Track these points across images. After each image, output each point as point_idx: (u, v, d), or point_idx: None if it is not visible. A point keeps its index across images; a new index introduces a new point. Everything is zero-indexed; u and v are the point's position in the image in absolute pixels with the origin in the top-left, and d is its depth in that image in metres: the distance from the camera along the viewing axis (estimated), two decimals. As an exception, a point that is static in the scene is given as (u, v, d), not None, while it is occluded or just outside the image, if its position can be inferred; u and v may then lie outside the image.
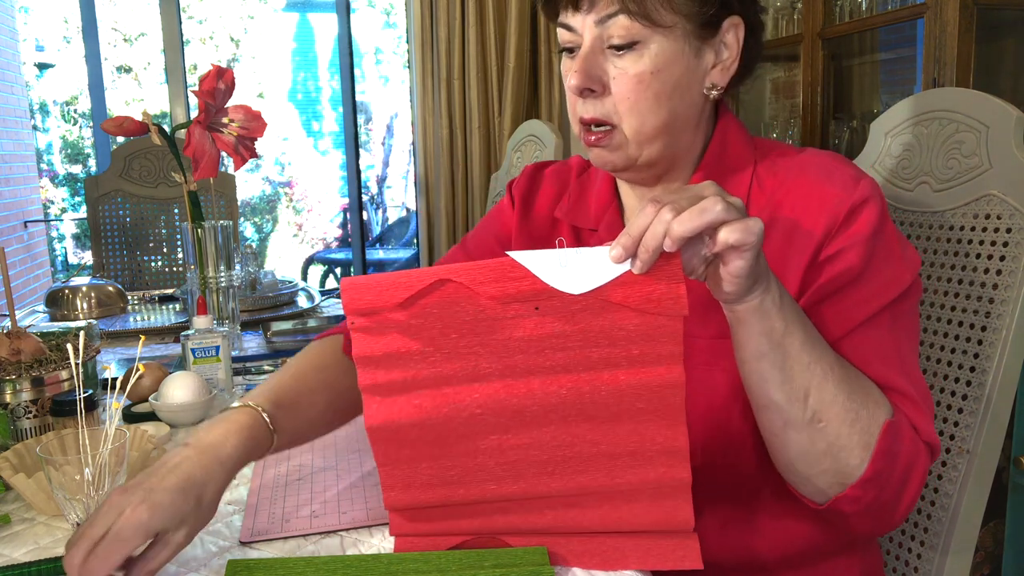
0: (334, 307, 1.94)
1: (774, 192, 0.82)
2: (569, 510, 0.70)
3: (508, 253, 0.65)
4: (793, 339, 0.69)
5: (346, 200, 7.28)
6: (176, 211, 2.47)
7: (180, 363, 1.35)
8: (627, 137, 0.80)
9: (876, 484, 0.72)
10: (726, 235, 0.62)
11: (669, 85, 0.79)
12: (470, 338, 0.66)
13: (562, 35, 0.82)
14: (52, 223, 6.48)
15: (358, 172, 3.53)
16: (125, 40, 7.04)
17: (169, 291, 2.14)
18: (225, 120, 1.48)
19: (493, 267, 0.65)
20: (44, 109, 6.94)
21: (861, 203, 0.77)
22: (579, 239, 0.94)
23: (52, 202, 6.86)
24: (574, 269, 0.64)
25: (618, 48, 0.78)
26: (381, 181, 7.28)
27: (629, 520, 0.69)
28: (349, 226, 6.84)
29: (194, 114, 1.47)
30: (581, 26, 0.80)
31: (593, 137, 0.82)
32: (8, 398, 0.96)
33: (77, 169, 7.06)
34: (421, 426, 0.67)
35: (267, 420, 0.76)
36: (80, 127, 7.06)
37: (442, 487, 0.70)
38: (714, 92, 0.82)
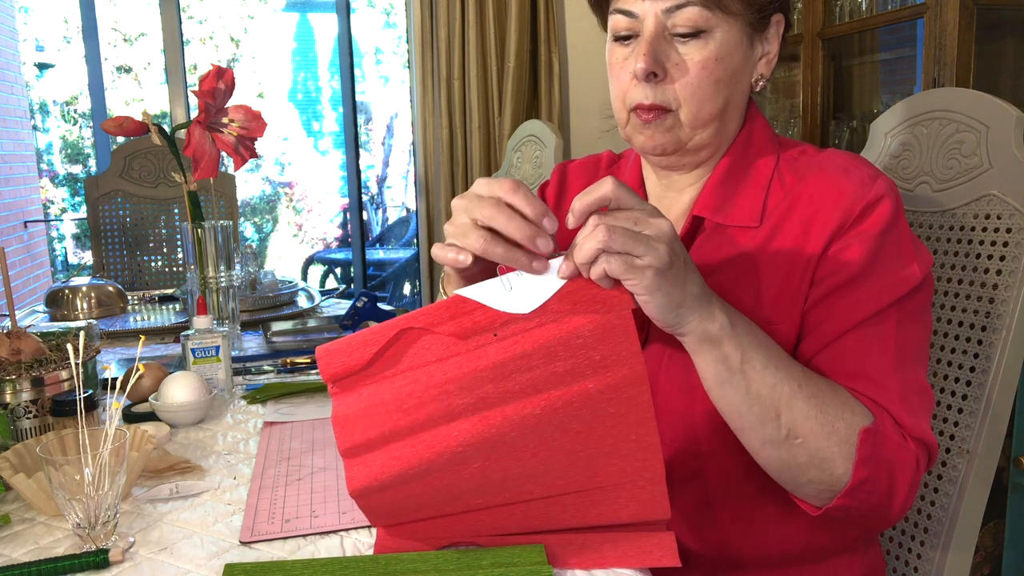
0: (334, 307, 1.94)
1: (793, 186, 0.83)
2: (549, 509, 0.71)
3: (457, 291, 0.68)
4: (753, 364, 0.70)
5: (346, 200, 7.27)
6: (176, 211, 2.47)
7: (180, 363, 1.35)
8: (682, 121, 0.83)
9: (863, 490, 0.72)
10: (606, 266, 0.64)
11: (729, 72, 0.82)
12: (439, 378, 0.68)
13: (618, 22, 0.83)
14: (52, 223, 6.48)
15: (358, 172, 3.53)
16: (125, 40, 7.04)
17: (169, 291, 2.14)
18: (225, 120, 1.48)
19: (447, 305, 0.68)
20: (44, 109, 6.93)
21: (876, 200, 0.78)
22: None
23: (52, 202, 6.85)
24: (520, 290, 0.67)
25: (683, 35, 0.80)
26: (381, 181, 7.27)
27: (608, 513, 0.70)
28: (349, 226, 6.83)
29: (194, 114, 1.47)
30: (644, 12, 0.80)
31: (649, 115, 0.82)
32: (8, 398, 0.96)
33: (77, 169, 7.06)
34: (403, 476, 0.69)
35: None
36: (80, 127, 7.05)
37: (427, 510, 0.71)
38: (761, 82, 0.86)
